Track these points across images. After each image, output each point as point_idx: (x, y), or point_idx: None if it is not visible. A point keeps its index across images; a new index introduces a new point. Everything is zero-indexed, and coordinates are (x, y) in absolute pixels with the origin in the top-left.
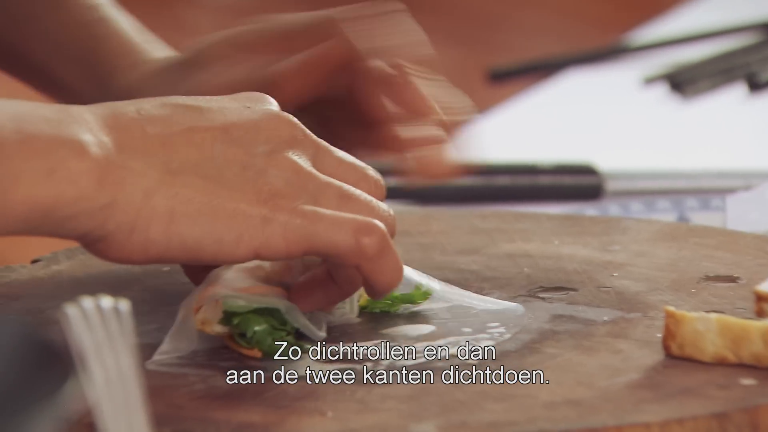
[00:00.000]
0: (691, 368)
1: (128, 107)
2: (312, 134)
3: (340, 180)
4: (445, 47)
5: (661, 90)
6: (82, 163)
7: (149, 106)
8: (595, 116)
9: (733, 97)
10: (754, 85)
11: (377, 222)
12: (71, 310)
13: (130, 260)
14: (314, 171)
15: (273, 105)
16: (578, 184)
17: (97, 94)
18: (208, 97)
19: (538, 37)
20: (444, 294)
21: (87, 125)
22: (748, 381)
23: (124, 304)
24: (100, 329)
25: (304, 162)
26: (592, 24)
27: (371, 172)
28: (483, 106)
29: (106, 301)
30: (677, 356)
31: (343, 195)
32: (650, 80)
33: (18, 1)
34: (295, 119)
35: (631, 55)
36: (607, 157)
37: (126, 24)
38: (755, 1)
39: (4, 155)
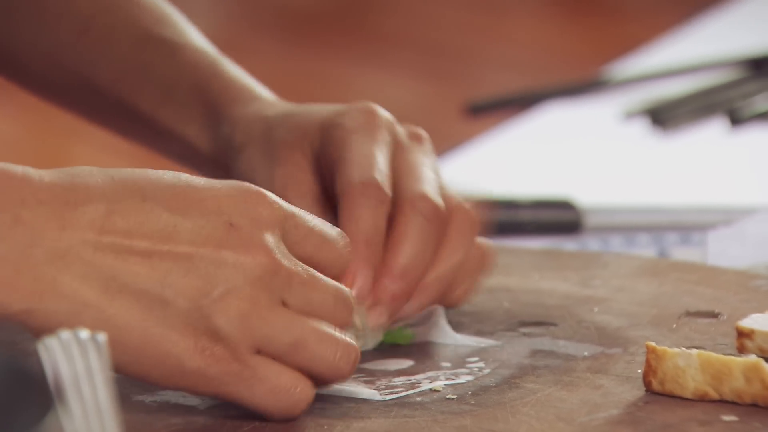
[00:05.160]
0: (672, 404)
1: (99, 204)
2: (290, 261)
3: (310, 313)
4: (423, 82)
5: (642, 124)
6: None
7: (122, 207)
8: (574, 150)
9: (714, 132)
10: (735, 121)
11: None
12: (49, 341)
13: None
14: (271, 314)
15: (263, 218)
16: (557, 218)
17: (204, 134)
18: (197, 198)
19: (516, 72)
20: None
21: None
22: (729, 417)
23: (102, 336)
24: (78, 361)
25: (265, 299)
26: (569, 59)
27: (342, 297)
28: (460, 140)
29: (85, 333)
30: (658, 392)
31: (295, 344)
32: (631, 114)
33: (128, 55)
34: (272, 244)
35: (611, 89)
36: (586, 191)
37: (232, 66)
38: (736, 36)
39: None
